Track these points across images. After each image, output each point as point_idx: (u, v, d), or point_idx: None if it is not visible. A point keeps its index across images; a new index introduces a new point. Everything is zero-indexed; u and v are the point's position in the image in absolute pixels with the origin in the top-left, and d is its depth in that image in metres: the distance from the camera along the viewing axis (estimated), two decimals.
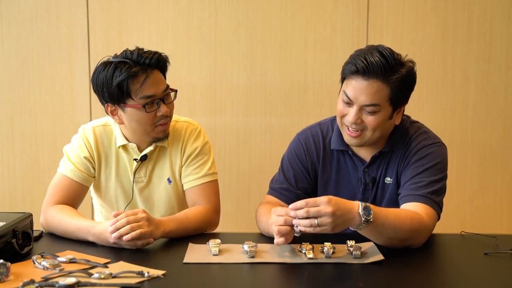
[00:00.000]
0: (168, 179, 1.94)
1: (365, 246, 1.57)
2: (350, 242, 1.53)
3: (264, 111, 3.08)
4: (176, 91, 1.87)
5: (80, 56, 3.05)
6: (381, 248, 1.55)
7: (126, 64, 1.76)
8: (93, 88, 1.83)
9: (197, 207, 1.87)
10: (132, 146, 1.90)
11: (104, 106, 1.85)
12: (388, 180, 1.80)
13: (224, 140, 3.05)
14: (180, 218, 1.76)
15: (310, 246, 1.52)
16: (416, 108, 2.99)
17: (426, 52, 3.05)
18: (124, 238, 1.55)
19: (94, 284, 1.27)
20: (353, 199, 1.79)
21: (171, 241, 1.69)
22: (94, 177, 1.92)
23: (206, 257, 1.51)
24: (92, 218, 2.08)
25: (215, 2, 3.02)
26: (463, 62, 3.07)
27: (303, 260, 1.49)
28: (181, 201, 1.97)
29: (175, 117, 1.94)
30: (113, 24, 3.03)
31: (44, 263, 1.40)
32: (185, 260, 1.49)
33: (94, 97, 1.86)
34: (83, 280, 1.29)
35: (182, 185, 1.95)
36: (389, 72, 1.65)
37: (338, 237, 1.56)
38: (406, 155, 1.77)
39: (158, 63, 1.81)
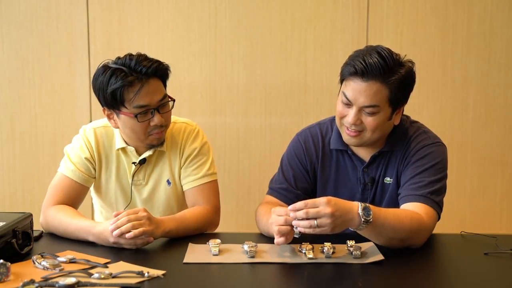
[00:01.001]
0: (168, 180, 1.94)
1: (365, 246, 1.57)
2: (350, 242, 1.53)
3: (264, 111, 3.08)
4: (174, 100, 1.85)
5: (80, 56, 3.05)
6: (381, 248, 1.55)
7: (122, 72, 1.74)
8: (93, 90, 1.83)
9: (197, 207, 1.87)
10: (131, 149, 1.89)
11: (102, 108, 1.85)
12: (387, 180, 1.80)
13: (224, 140, 3.05)
14: (180, 218, 1.76)
15: (310, 246, 1.52)
16: (416, 108, 2.99)
17: (426, 52, 3.05)
18: (127, 235, 1.55)
19: (94, 284, 1.27)
20: (352, 199, 1.79)
21: (171, 241, 1.69)
22: (95, 177, 1.92)
23: (206, 257, 1.51)
24: (92, 219, 2.08)
25: (215, 2, 3.02)
26: (463, 62, 3.07)
27: (303, 260, 1.49)
28: (181, 203, 1.96)
29: (173, 118, 1.93)
30: (113, 24, 3.03)
31: (44, 263, 1.40)
32: (185, 260, 1.49)
33: (94, 97, 1.86)
34: (83, 280, 1.29)
35: (182, 186, 1.94)
36: (388, 73, 1.65)
37: (338, 237, 1.55)
38: (406, 155, 1.77)
39: (157, 72, 1.78)
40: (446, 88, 3.08)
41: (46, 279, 1.31)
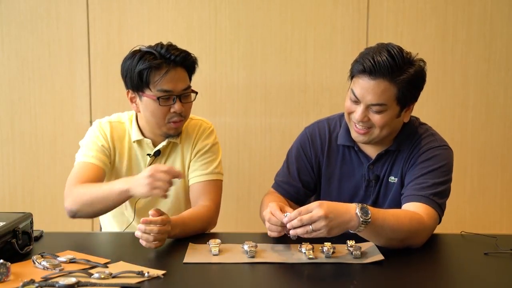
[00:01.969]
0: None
1: (365, 246, 1.57)
2: (350, 242, 1.53)
3: (264, 111, 3.08)
4: (196, 93, 1.90)
5: (80, 56, 3.05)
6: (381, 248, 1.55)
7: (152, 55, 1.81)
8: (120, 72, 1.88)
9: (200, 208, 1.86)
10: (147, 141, 1.92)
11: (126, 91, 1.89)
12: (392, 179, 1.80)
13: (224, 140, 3.05)
14: (185, 220, 1.73)
15: (310, 246, 1.53)
16: (416, 108, 2.96)
17: (426, 52, 3.04)
18: (146, 245, 1.55)
19: (94, 284, 1.27)
20: (356, 195, 1.80)
21: (171, 241, 1.69)
22: (110, 165, 1.93)
23: (206, 257, 1.51)
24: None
25: (215, 2, 3.02)
26: (463, 62, 3.07)
27: (303, 260, 1.49)
28: (188, 196, 1.98)
29: (191, 115, 1.97)
30: (113, 24, 3.03)
31: (44, 263, 1.40)
32: (185, 260, 1.49)
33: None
34: (83, 280, 1.29)
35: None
36: (397, 72, 1.65)
37: (338, 237, 1.55)
38: (412, 155, 1.77)
39: (184, 61, 1.84)
40: (446, 88, 3.08)
41: (46, 279, 1.31)
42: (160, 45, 1.86)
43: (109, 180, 1.92)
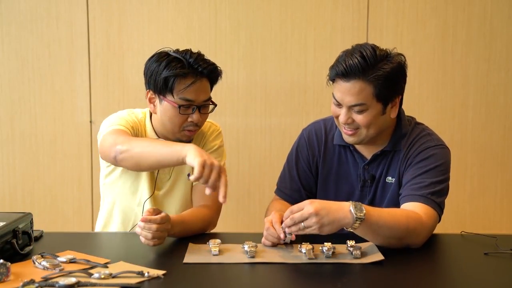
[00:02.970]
0: (188, 174, 1.94)
1: (365, 246, 1.57)
2: (350, 242, 1.53)
3: (264, 111, 3.08)
4: (216, 105, 1.92)
5: (80, 56, 3.05)
6: (381, 248, 1.55)
7: (180, 62, 1.80)
8: (144, 71, 1.87)
9: (202, 208, 1.86)
10: None
11: (146, 90, 1.88)
12: (389, 179, 1.80)
13: (224, 140, 3.05)
14: (185, 220, 1.74)
15: (310, 246, 1.53)
16: (416, 108, 2.99)
17: (426, 52, 3.05)
18: (145, 242, 1.56)
19: (94, 284, 1.27)
20: (352, 194, 1.82)
21: (171, 241, 1.69)
22: None
23: (206, 257, 1.51)
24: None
25: (215, 2, 3.02)
26: (463, 62, 3.07)
27: (303, 260, 1.49)
28: None
29: None
30: (113, 24, 3.04)
31: (44, 263, 1.40)
32: (185, 260, 1.49)
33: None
34: (83, 280, 1.29)
35: None
36: (369, 71, 1.66)
37: (338, 237, 1.56)
38: (408, 155, 1.77)
39: (210, 74, 1.86)
40: (446, 88, 3.08)
41: (46, 279, 1.30)
42: (190, 53, 1.84)
43: (119, 174, 1.92)
